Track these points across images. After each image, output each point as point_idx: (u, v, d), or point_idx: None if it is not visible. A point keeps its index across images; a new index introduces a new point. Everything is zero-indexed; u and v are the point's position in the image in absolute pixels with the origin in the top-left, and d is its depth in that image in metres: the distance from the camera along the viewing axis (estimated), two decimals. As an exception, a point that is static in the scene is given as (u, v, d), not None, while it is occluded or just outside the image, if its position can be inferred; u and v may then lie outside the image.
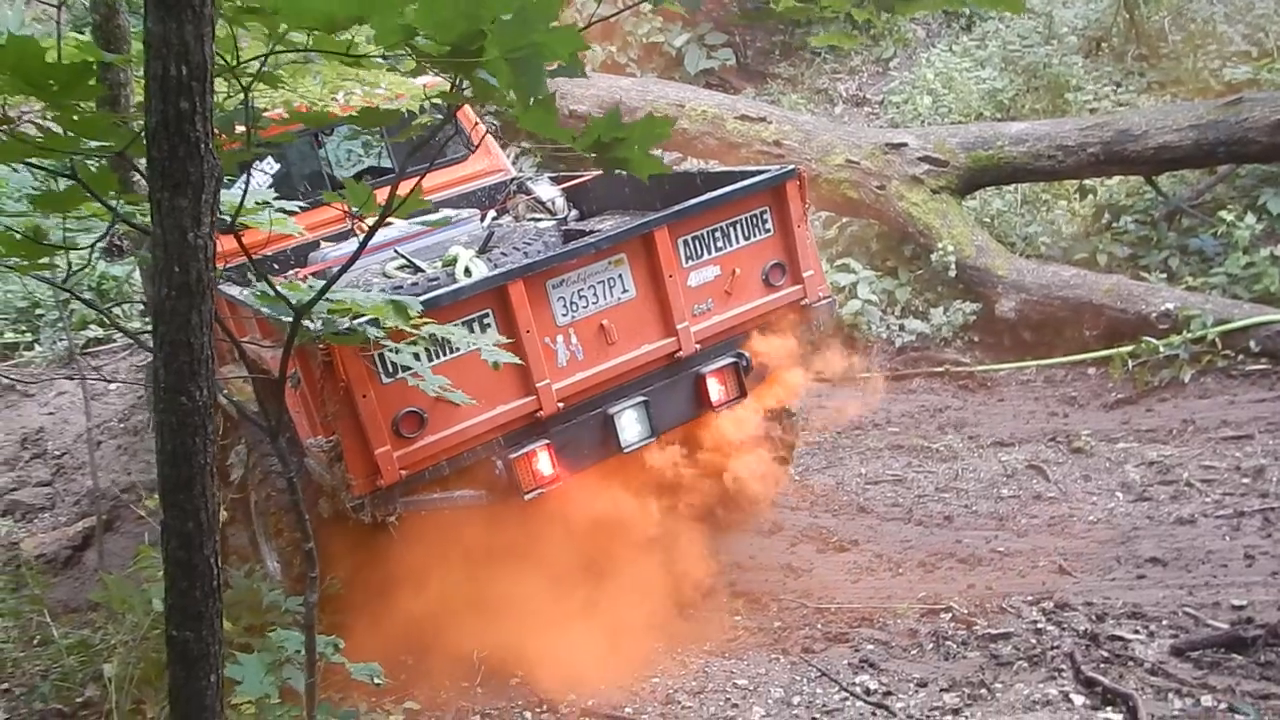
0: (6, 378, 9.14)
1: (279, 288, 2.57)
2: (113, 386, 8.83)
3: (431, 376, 3.30)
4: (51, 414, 8.81)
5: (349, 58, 1.90)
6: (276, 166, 6.17)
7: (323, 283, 2.52)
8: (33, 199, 2.32)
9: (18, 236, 2.28)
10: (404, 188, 2.38)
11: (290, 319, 2.35)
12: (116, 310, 9.68)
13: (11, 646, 4.71)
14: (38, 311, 9.82)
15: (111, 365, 9.36)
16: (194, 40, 1.56)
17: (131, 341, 9.74)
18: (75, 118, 1.82)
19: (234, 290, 4.91)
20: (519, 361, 3.85)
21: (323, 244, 5.88)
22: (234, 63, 1.95)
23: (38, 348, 9.58)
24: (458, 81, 2.01)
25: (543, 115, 1.86)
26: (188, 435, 1.69)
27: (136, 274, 7.80)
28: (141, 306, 8.02)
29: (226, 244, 5.84)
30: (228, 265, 5.67)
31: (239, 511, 4.82)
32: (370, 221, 6.58)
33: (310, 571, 2.60)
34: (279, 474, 4.27)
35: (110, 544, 6.57)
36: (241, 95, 2.03)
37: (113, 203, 2.18)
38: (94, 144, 1.94)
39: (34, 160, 2.03)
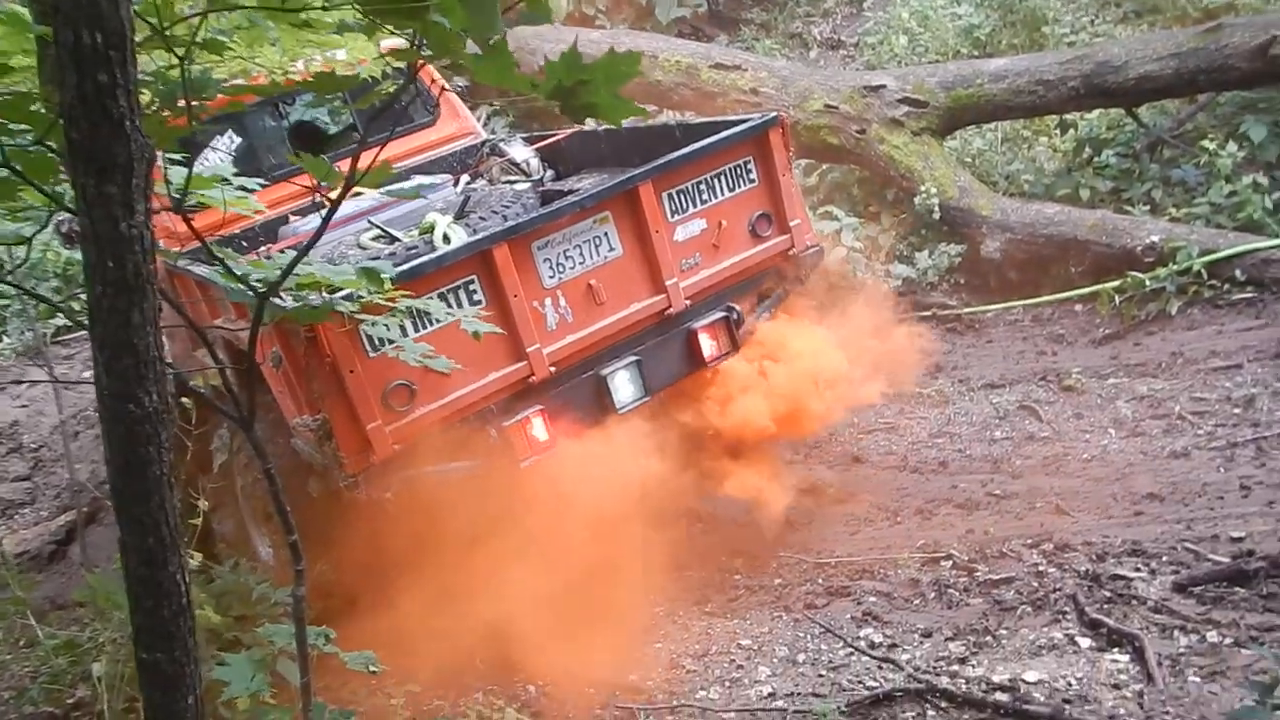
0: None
1: (246, 266, 2.46)
2: (86, 374, 8.65)
3: (412, 345, 3.20)
4: (25, 406, 8.63)
5: (285, 11, 1.76)
6: (238, 141, 5.99)
7: (291, 257, 2.41)
8: None
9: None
10: (370, 155, 2.26)
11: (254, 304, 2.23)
12: (85, 295, 9.45)
13: (-1, 649, 4.62)
14: (2, 303, 9.58)
15: (84, 353, 9.16)
16: (107, 2, 1.38)
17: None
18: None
19: (203, 269, 4.77)
20: (499, 330, 3.76)
21: (291, 218, 5.73)
22: (163, 27, 1.79)
23: (5, 339, 9.36)
24: (415, 37, 1.89)
25: (499, 65, 1.71)
26: (139, 445, 1.56)
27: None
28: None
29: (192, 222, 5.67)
30: (191, 246, 5.53)
31: (225, 498, 4.72)
32: (337, 194, 6.40)
33: (297, 565, 2.51)
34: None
35: (94, 536, 6.47)
36: (181, 69, 1.88)
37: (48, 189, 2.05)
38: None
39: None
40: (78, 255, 9.29)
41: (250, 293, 2.15)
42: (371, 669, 2.69)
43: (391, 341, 3.26)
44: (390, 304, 3.06)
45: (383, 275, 2.89)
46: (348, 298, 2.96)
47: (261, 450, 2.23)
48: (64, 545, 6.62)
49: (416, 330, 3.68)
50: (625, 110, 1.79)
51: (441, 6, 1.58)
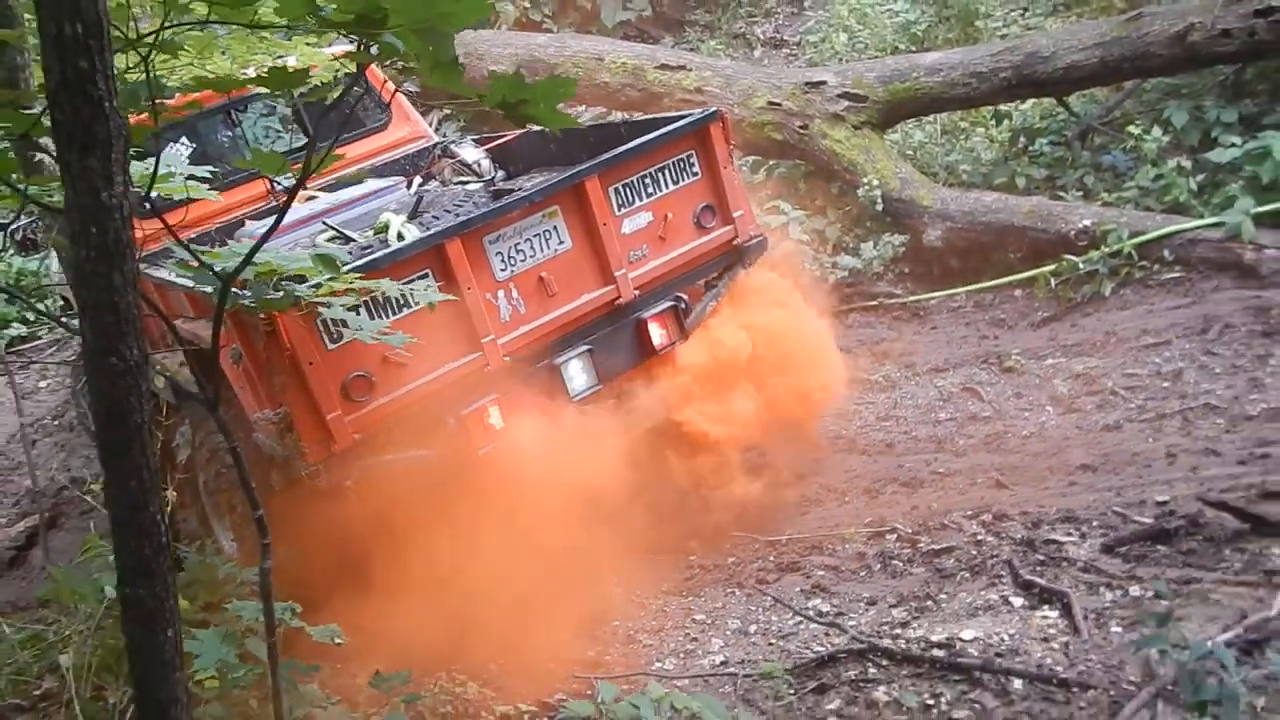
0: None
1: (203, 258, 2.56)
2: (43, 384, 8.62)
3: (368, 323, 3.30)
4: (-19, 416, 8.57)
5: (251, 26, 1.89)
6: (192, 147, 6.04)
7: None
8: None
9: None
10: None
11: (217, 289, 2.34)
12: (40, 305, 9.40)
13: (-45, 647, 4.64)
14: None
15: (39, 361, 9.12)
16: None
17: (57, 338, 9.50)
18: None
19: (160, 272, 4.84)
20: (452, 298, 3.87)
21: (247, 222, 5.79)
22: (130, 35, 1.92)
23: (-43, 350, 9.27)
24: (363, 43, 2.03)
25: (448, 74, 1.89)
26: (121, 396, 1.70)
27: (54, 264, 7.57)
28: (63, 301, 7.80)
29: (145, 228, 5.73)
30: (147, 251, 5.58)
31: (188, 494, 4.79)
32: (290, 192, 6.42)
33: (263, 539, 2.62)
34: (225, 449, 4.26)
35: (56, 541, 6.47)
36: (145, 67, 2.00)
37: (19, 185, 2.15)
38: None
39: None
40: (30, 264, 9.26)
41: (211, 284, 2.26)
42: (336, 641, 2.79)
43: (346, 325, 3.36)
44: (346, 289, 3.17)
45: (337, 261, 3.00)
46: (298, 280, 3.06)
47: (227, 429, 2.34)
48: (24, 550, 6.60)
49: (374, 320, 3.78)
50: (563, 121, 2.04)
51: (396, 32, 1.73)
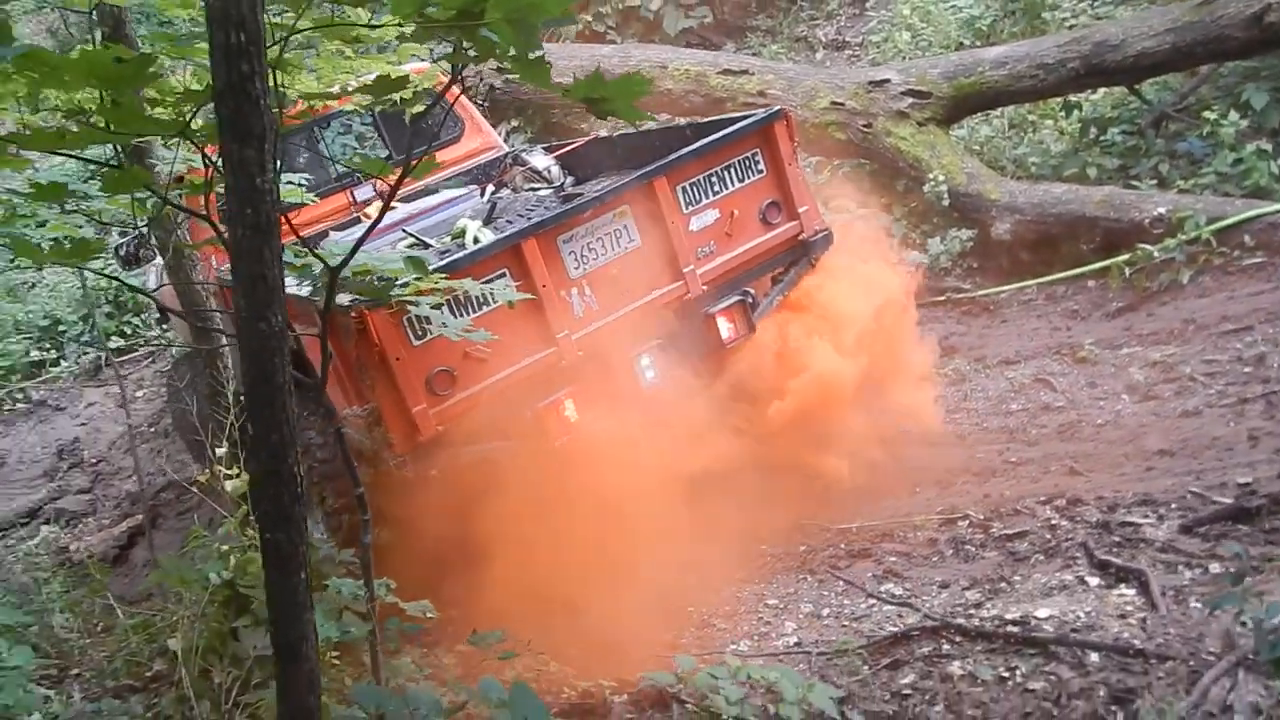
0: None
1: (309, 255, 2.76)
2: (139, 393, 9.07)
3: (454, 321, 3.48)
4: (84, 424, 9.07)
5: (363, 27, 2.07)
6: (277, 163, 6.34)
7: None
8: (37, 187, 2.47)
9: (67, 241, 2.46)
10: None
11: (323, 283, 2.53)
12: (135, 320, 9.92)
13: (76, 637, 4.96)
14: (60, 328, 10.05)
15: (136, 373, 9.60)
16: (249, 11, 1.77)
17: (153, 349, 9.99)
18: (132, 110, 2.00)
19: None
20: (531, 296, 4.03)
21: (331, 233, 6.06)
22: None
23: (63, 363, 9.81)
24: (460, 45, 2.20)
25: (539, 71, 2.06)
26: (268, 357, 1.89)
27: (151, 280, 7.99)
28: (158, 315, 8.23)
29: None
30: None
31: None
32: (372, 210, 6.74)
33: (363, 515, 2.79)
34: (318, 445, 4.49)
35: (155, 539, 6.84)
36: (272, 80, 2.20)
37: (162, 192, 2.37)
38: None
39: (70, 153, 2.20)
40: (132, 279, 9.76)
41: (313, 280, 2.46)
42: (429, 615, 2.95)
43: (430, 322, 3.54)
44: (432, 289, 3.35)
45: (426, 264, 3.19)
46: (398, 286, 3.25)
47: (333, 410, 2.52)
48: (126, 549, 7.00)
49: (459, 318, 3.97)
50: (638, 116, 2.20)
51: (492, 26, 1.91)
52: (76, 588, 5.88)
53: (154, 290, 4.53)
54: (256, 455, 1.95)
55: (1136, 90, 7.39)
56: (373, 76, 5.79)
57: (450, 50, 2.21)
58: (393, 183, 2.54)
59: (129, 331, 9.91)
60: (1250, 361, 5.33)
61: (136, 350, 9.81)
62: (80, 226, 3.16)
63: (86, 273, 6.51)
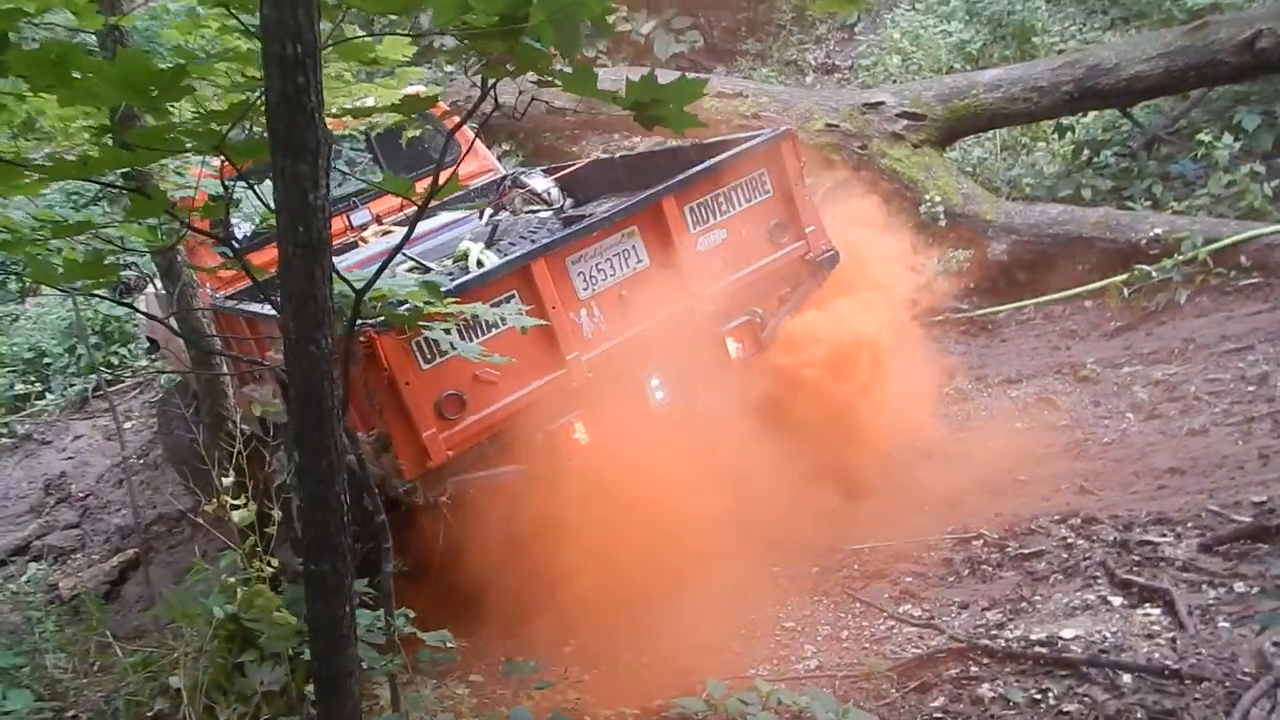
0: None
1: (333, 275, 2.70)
2: (128, 425, 8.93)
3: (469, 345, 3.43)
4: (70, 458, 8.92)
5: (410, 37, 2.03)
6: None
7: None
8: (57, 226, 2.42)
9: (80, 259, 2.39)
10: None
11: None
12: (123, 350, 9.79)
13: (71, 677, 4.82)
14: (45, 360, 9.90)
15: (124, 405, 9.46)
16: (305, 21, 1.71)
17: (140, 380, 9.85)
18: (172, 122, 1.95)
19: (257, 306, 5.03)
20: (543, 322, 3.99)
21: (329, 256, 6.00)
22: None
23: (49, 396, 9.66)
24: (488, 61, 2.18)
25: (586, 78, 2.01)
26: (317, 380, 1.83)
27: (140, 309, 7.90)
28: (147, 344, 8.12)
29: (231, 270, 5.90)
30: (233, 289, 5.81)
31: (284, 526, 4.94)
32: (368, 234, 6.62)
33: (384, 543, 2.72)
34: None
35: (149, 575, 6.70)
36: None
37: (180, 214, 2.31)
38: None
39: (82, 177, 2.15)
40: (119, 310, 9.65)
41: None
42: (448, 645, 2.87)
43: (453, 346, 3.49)
44: (445, 314, 3.30)
45: (441, 287, 3.14)
46: (406, 309, 3.20)
47: (353, 435, 2.45)
48: (117, 585, 6.84)
49: (468, 342, 3.91)
50: (690, 123, 2.14)
51: (534, 30, 1.86)
52: (68, 626, 5.74)
53: (166, 317, 4.42)
54: (303, 481, 1.88)
55: (1129, 113, 7.46)
56: (370, 100, 5.77)
57: (479, 65, 2.18)
58: (393, 207, 2.50)
59: (115, 362, 9.78)
60: (1254, 380, 5.34)
61: (124, 381, 9.67)
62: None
63: (81, 300, 6.40)
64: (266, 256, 5.55)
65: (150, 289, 6.81)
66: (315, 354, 1.82)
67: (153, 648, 4.60)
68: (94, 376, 9.53)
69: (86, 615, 6.10)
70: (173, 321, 6.43)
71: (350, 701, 1.85)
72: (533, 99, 2.97)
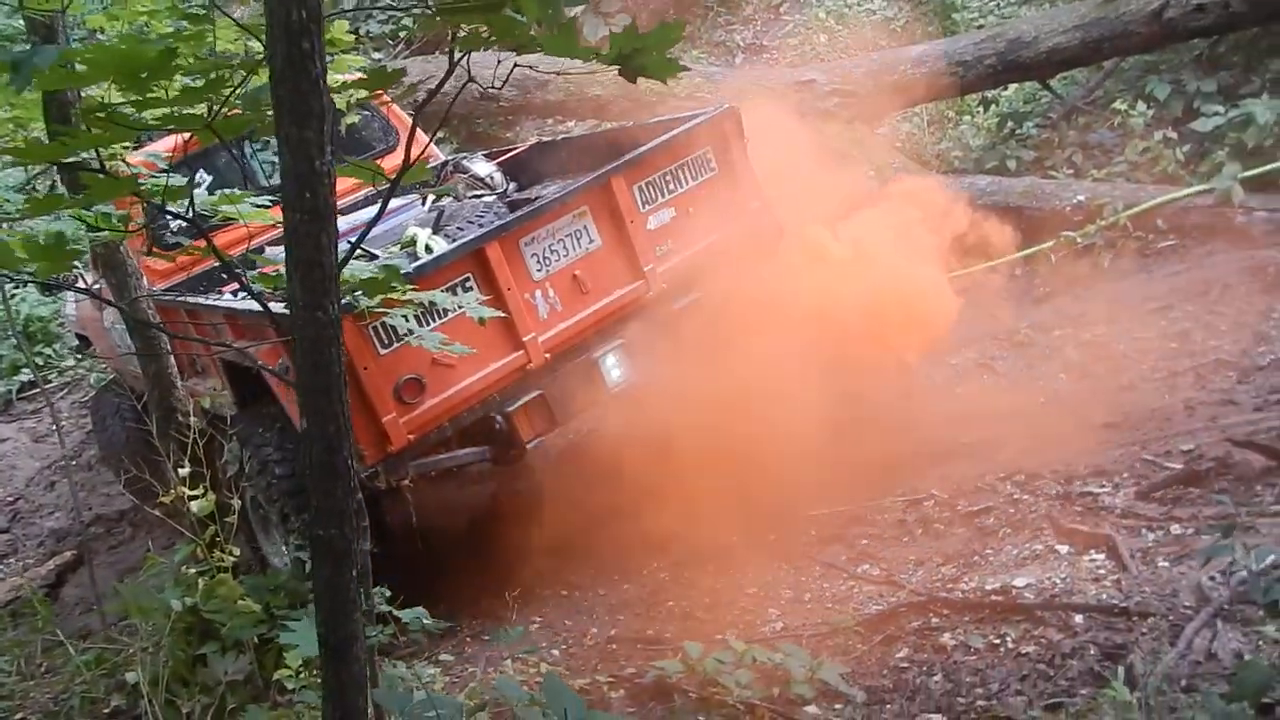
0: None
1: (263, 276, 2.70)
2: (61, 425, 8.65)
3: (431, 335, 3.44)
4: (-3, 462, 8.62)
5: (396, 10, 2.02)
6: (210, 178, 6.15)
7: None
8: (33, 201, 2.37)
9: (40, 241, 2.34)
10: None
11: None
12: (47, 350, 9.47)
13: (16, 680, 4.70)
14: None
15: (49, 407, 9.15)
16: None
17: (68, 380, 9.55)
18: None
19: (198, 299, 4.94)
20: (502, 314, 4.01)
21: (267, 248, 5.90)
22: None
23: (-32, 397, 9.32)
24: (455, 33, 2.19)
25: (565, 40, 2.07)
26: (324, 346, 1.84)
27: (69, 307, 7.66)
28: (78, 340, 7.88)
29: (166, 262, 5.78)
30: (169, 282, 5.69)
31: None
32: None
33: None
34: (275, 462, 4.37)
35: (86, 576, 6.53)
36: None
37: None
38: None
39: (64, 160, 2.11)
40: (41, 310, 9.33)
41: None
42: (425, 623, 2.89)
43: (411, 332, 3.50)
44: (404, 300, 3.30)
45: (401, 270, 3.14)
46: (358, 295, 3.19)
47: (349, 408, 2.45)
48: (55, 589, 6.66)
49: (424, 326, 3.91)
50: (672, 69, 2.14)
51: (517, 3, 1.89)
52: (4, 631, 5.58)
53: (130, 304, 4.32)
54: (310, 448, 1.89)
55: (1048, 85, 7.72)
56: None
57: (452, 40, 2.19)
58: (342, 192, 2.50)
59: (40, 363, 9.46)
60: (1175, 337, 5.61)
61: (51, 382, 9.36)
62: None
63: (3, 296, 6.18)
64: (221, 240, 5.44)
65: (80, 284, 6.61)
66: (322, 320, 1.84)
67: (103, 645, 4.53)
68: (17, 379, 9.21)
69: (26, 620, 5.94)
70: (110, 314, 6.26)
71: (355, 666, 1.87)
72: (515, 66, 3.00)
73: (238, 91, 2.11)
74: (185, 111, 2.07)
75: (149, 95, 1.93)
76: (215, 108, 2.07)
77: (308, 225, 1.79)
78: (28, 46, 3.77)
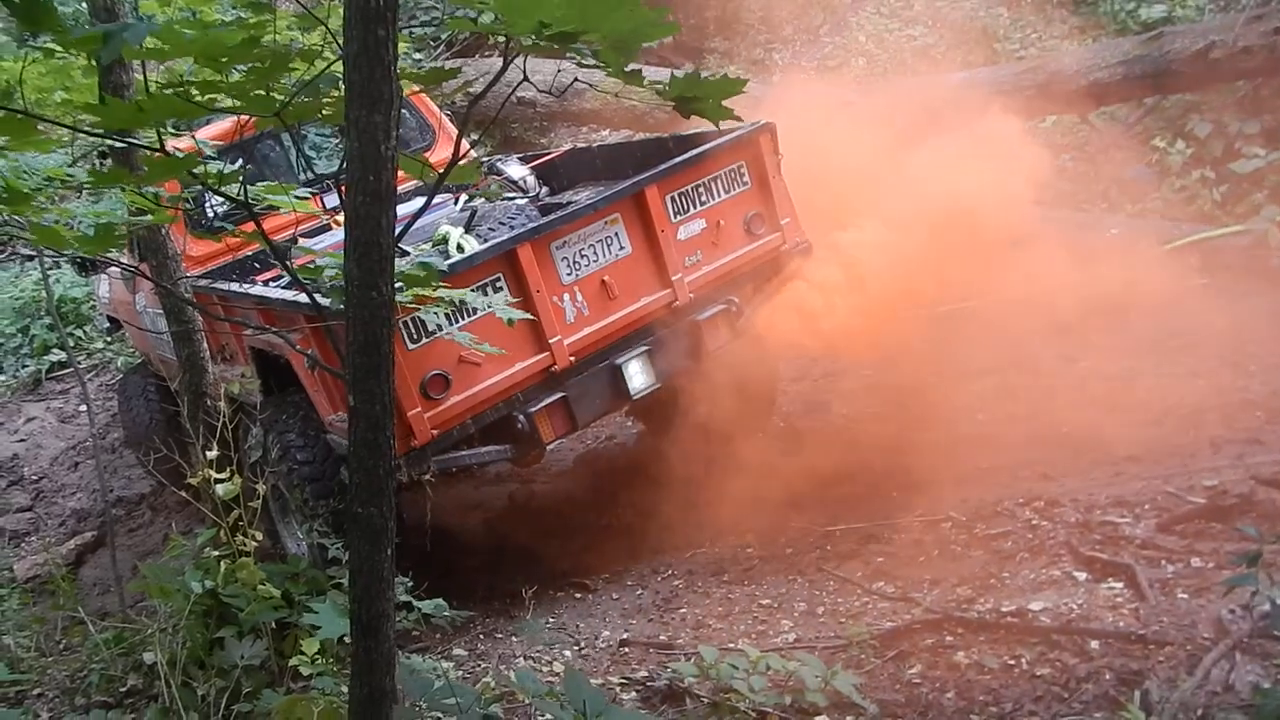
0: None
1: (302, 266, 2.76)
2: (83, 408, 8.77)
3: (460, 334, 3.48)
4: (23, 441, 8.74)
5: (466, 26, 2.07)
6: (248, 168, 6.25)
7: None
8: (96, 175, 2.44)
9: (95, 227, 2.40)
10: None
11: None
12: (78, 332, 9.61)
13: (35, 656, 4.76)
14: (-6, 340, 9.70)
15: (78, 387, 9.28)
16: None
17: (96, 362, 9.68)
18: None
19: (231, 287, 5.02)
20: (531, 317, 4.05)
21: (300, 239, 5.98)
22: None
23: (0, 377, 9.45)
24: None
25: (634, 78, 2.18)
26: (376, 326, 1.89)
27: (102, 288, 7.77)
28: (109, 323, 7.99)
29: (202, 248, 5.89)
30: (206, 269, 5.78)
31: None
32: (341, 217, 6.62)
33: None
34: (298, 449, 4.42)
35: (106, 556, 6.61)
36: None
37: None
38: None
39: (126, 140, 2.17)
40: (75, 291, 9.48)
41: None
42: (445, 613, 2.91)
43: (440, 328, 3.54)
44: (437, 297, 3.35)
45: (436, 269, 3.20)
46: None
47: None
48: (75, 568, 6.74)
49: (454, 324, 3.96)
50: (727, 115, 2.31)
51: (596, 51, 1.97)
52: (25, 607, 5.65)
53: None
54: (355, 425, 1.93)
55: (1086, 119, 7.71)
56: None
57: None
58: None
59: (71, 344, 9.60)
60: (1202, 375, 5.56)
61: (81, 363, 9.49)
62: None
63: (43, 275, 6.29)
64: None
65: (113, 269, 6.72)
66: (376, 300, 1.88)
67: (122, 625, 4.58)
68: (47, 358, 9.34)
69: (45, 598, 6.02)
70: (142, 297, 6.35)
71: (386, 644, 1.90)
72: (575, 80, 3.05)
73: (306, 78, 2.17)
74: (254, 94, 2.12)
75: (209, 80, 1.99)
76: (288, 94, 2.13)
77: (369, 207, 1.84)
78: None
